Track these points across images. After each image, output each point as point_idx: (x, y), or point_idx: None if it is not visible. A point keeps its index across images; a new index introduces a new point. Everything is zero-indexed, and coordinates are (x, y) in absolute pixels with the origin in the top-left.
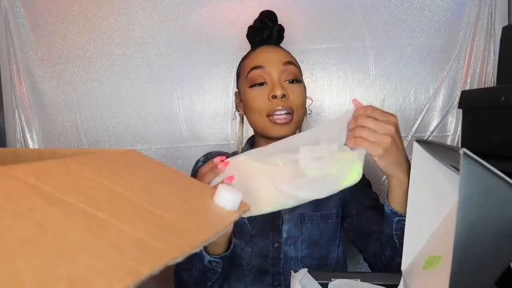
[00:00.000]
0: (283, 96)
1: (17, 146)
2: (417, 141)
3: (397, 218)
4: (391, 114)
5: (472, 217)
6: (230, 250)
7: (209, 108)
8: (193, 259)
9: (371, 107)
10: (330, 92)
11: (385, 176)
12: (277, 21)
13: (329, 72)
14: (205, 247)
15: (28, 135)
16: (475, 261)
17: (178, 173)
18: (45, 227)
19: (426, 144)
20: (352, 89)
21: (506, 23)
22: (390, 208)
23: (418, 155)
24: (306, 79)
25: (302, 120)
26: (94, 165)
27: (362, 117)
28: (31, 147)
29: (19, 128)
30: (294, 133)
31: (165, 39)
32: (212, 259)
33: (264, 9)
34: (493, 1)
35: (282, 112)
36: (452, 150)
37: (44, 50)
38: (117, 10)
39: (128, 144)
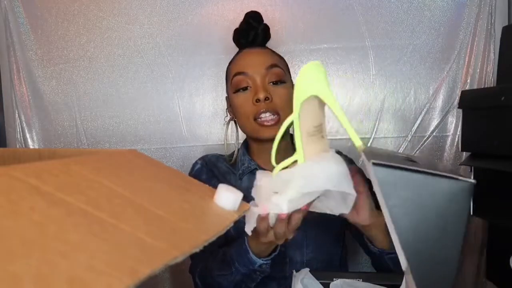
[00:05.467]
0: (267, 98)
1: (17, 146)
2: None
3: (387, 256)
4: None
5: (407, 220)
6: (278, 248)
7: (209, 108)
8: (232, 265)
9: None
10: None
11: None
12: (262, 21)
13: (329, 72)
14: (252, 253)
15: (28, 135)
16: (428, 257)
17: (178, 173)
18: (45, 227)
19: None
20: (352, 89)
21: (506, 23)
22: (377, 249)
23: (368, 169)
24: None
25: None
26: (94, 165)
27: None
28: (31, 147)
29: (19, 128)
30: None
31: (165, 39)
32: (264, 262)
33: (264, 9)
34: (493, 1)
35: (268, 114)
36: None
37: (44, 50)
38: (117, 10)
39: (128, 144)
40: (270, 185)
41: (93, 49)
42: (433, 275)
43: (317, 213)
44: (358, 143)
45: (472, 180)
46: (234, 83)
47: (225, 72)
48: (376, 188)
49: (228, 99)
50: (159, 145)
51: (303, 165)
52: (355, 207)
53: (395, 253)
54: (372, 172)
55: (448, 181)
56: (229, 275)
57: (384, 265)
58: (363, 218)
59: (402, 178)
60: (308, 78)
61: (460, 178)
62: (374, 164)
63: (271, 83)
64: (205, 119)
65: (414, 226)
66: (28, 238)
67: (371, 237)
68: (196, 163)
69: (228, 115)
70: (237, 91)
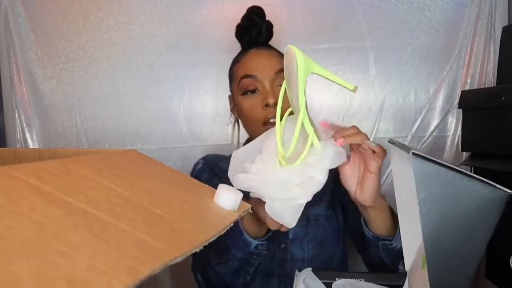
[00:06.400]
0: (276, 103)
1: (17, 146)
2: (390, 142)
3: (381, 242)
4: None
5: (435, 215)
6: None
7: (209, 108)
8: (229, 251)
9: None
10: (330, 92)
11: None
12: (265, 17)
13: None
14: (247, 233)
15: (28, 135)
16: (448, 255)
17: (178, 173)
18: (45, 227)
19: (396, 144)
20: None
21: (506, 23)
22: (371, 233)
23: (395, 155)
24: None
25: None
26: (94, 165)
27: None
28: (31, 147)
29: (19, 128)
30: None
31: (165, 39)
32: (259, 242)
33: (264, 8)
34: (493, 1)
35: None
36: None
37: (44, 50)
38: (117, 10)
39: (128, 144)
40: (298, 174)
41: (93, 49)
42: (449, 275)
43: (317, 212)
44: (351, 87)
45: (509, 191)
46: (242, 85)
47: (225, 72)
48: (409, 179)
49: (232, 98)
50: (159, 145)
51: (328, 144)
52: (361, 185)
53: (390, 240)
54: (411, 162)
55: (485, 187)
56: (227, 262)
57: (374, 254)
58: (366, 197)
59: (440, 174)
60: (303, 60)
61: (498, 186)
62: (413, 154)
63: (280, 86)
64: (205, 119)
65: (441, 223)
66: (28, 238)
67: (369, 220)
68: (198, 162)
69: (232, 115)
70: (245, 93)
